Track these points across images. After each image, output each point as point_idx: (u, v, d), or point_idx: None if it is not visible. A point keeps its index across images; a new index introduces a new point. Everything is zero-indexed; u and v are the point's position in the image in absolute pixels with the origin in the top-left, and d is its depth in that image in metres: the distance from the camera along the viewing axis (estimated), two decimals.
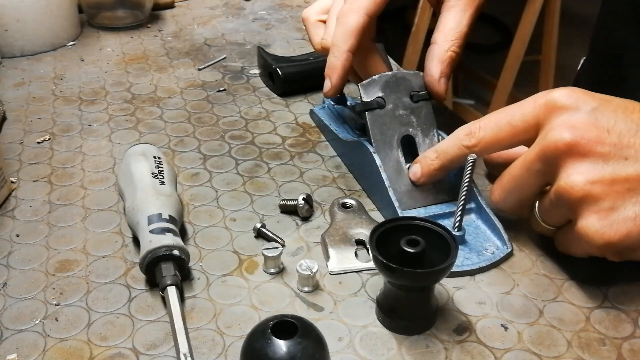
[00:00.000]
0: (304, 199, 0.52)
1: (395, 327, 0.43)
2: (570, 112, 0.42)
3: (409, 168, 0.53)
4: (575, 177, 0.41)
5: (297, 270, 0.45)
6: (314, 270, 0.45)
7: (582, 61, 0.77)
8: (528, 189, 0.46)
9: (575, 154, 0.41)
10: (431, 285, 0.42)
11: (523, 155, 0.44)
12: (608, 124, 0.41)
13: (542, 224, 0.47)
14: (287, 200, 0.54)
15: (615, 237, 0.41)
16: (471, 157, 0.46)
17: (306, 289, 0.46)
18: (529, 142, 0.45)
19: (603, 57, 0.69)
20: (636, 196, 0.40)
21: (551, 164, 0.42)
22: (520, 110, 0.45)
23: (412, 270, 0.39)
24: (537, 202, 0.46)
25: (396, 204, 0.51)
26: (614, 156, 0.41)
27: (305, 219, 0.53)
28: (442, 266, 0.39)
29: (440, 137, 0.55)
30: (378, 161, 0.53)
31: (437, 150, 0.50)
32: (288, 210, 0.54)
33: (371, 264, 0.48)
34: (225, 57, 0.83)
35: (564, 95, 0.43)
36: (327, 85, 0.57)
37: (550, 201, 0.44)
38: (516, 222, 0.53)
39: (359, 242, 0.50)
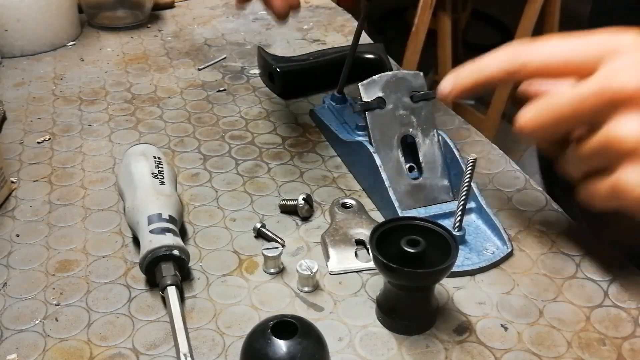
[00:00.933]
0: (304, 199, 0.52)
1: (395, 327, 0.43)
2: (633, 55, 0.38)
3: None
4: (631, 127, 0.37)
5: (297, 270, 0.45)
6: (314, 270, 0.45)
7: None
8: (568, 125, 0.41)
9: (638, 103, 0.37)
10: (431, 285, 0.42)
11: (574, 89, 0.40)
12: None
13: (573, 167, 0.43)
14: (287, 200, 0.54)
15: None
16: (471, 157, 0.46)
17: (306, 289, 0.46)
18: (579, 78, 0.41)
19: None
20: None
21: (610, 106, 0.38)
22: (582, 45, 0.41)
23: (412, 270, 0.39)
24: (576, 143, 0.42)
25: (396, 204, 0.51)
26: None
27: (305, 219, 0.53)
28: (442, 266, 0.39)
29: (440, 137, 0.55)
30: (378, 161, 0.53)
31: (476, 66, 0.45)
32: (288, 210, 0.54)
33: (371, 264, 0.48)
34: (225, 57, 0.83)
35: (632, 38, 0.39)
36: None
37: (592, 146, 0.40)
38: (516, 222, 0.53)
39: (359, 242, 0.50)
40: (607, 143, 0.39)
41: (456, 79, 0.46)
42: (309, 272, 0.45)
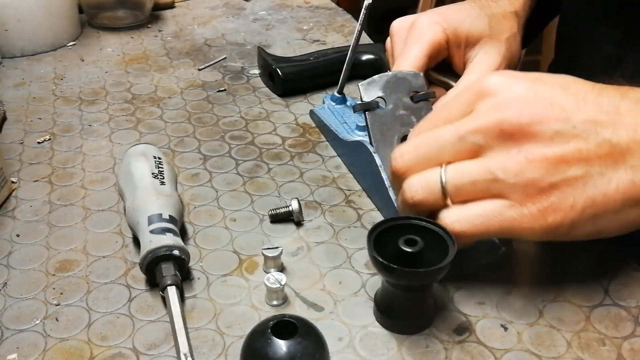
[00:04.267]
0: (297, 202, 0.52)
1: (393, 326, 0.43)
2: (510, 90, 0.40)
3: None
4: (533, 153, 0.38)
5: (265, 284, 0.44)
6: (282, 283, 0.44)
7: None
8: (447, 158, 0.41)
9: (527, 131, 0.38)
10: (428, 284, 0.42)
11: (454, 125, 0.41)
12: (549, 96, 0.39)
13: (440, 194, 0.41)
14: (277, 209, 0.53)
15: (548, 224, 0.38)
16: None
17: (275, 302, 0.45)
18: None
19: (568, 56, 0.70)
20: (583, 179, 0.38)
21: (497, 139, 0.39)
22: (456, 101, 0.43)
23: (409, 269, 0.39)
24: (444, 167, 0.41)
25: (396, 204, 0.51)
26: (563, 131, 0.38)
27: (299, 223, 0.53)
28: (439, 266, 0.39)
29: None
30: (378, 161, 0.53)
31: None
32: (280, 218, 0.53)
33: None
34: (225, 58, 0.83)
35: (496, 79, 0.41)
36: None
37: (489, 174, 0.39)
38: None
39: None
40: (493, 173, 0.39)
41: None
42: (278, 285, 0.44)
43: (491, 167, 0.39)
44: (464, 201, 0.41)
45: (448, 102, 0.44)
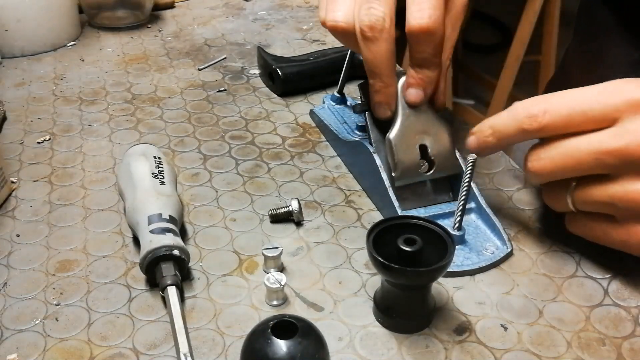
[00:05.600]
0: (298, 202, 0.52)
1: (392, 325, 0.43)
2: None
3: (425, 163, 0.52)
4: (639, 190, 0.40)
5: (265, 284, 0.44)
6: (282, 283, 0.44)
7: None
8: (582, 173, 0.42)
9: None
10: (427, 284, 0.42)
11: (596, 142, 0.41)
12: None
13: (569, 204, 0.44)
14: (277, 209, 0.53)
15: None
16: (471, 157, 0.46)
17: (275, 302, 0.45)
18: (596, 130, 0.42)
19: (586, 36, 0.70)
20: None
21: (632, 165, 0.40)
22: (600, 99, 0.41)
23: (407, 268, 0.39)
24: (575, 184, 0.44)
25: (396, 204, 0.51)
26: None
27: (299, 223, 0.53)
28: (437, 265, 0.39)
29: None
30: (378, 161, 0.53)
31: (492, 127, 0.46)
32: (280, 218, 0.53)
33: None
34: (225, 57, 0.83)
35: None
36: (385, 113, 0.52)
37: (609, 197, 0.41)
38: (516, 222, 0.53)
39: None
40: (629, 198, 0.40)
41: (478, 138, 0.47)
42: (278, 285, 0.44)
43: (613, 195, 0.41)
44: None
45: (590, 95, 0.42)
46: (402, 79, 0.51)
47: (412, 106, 0.51)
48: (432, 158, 0.52)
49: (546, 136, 0.44)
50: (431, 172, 0.52)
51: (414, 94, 0.50)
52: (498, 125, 0.46)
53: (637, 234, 0.41)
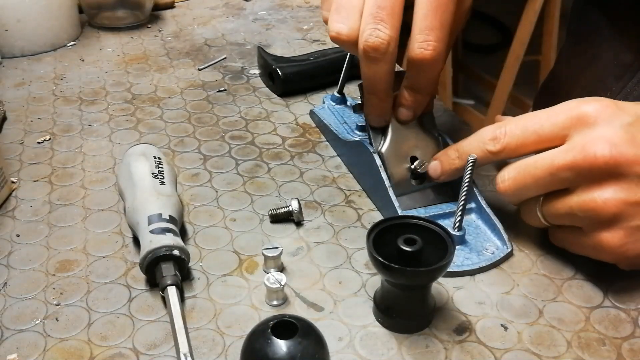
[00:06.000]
0: (298, 202, 0.52)
1: (392, 325, 0.43)
2: (605, 125, 0.42)
3: (418, 167, 0.52)
4: (610, 195, 0.41)
5: (265, 284, 0.44)
6: (282, 283, 0.44)
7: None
8: (543, 190, 0.45)
9: (613, 172, 0.41)
10: (427, 284, 0.42)
11: (549, 159, 0.44)
12: None
13: (541, 220, 0.47)
14: (277, 209, 0.53)
15: (637, 252, 0.43)
16: (471, 157, 0.46)
17: (275, 302, 0.45)
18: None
19: (578, 38, 0.70)
20: None
21: (583, 176, 0.42)
22: (550, 119, 0.44)
23: (407, 268, 0.39)
24: (542, 199, 0.46)
25: (396, 204, 0.51)
26: None
27: (299, 223, 0.53)
28: (438, 265, 0.39)
29: (440, 137, 0.55)
30: (378, 161, 0.53)
31: (458, 150, 0.49)
32: (280, 218, 0.53)
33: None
34: (225, 57, 0.83)
35: (597, 108, 0.43)
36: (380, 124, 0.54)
37: (570, 208, 0.44)
38: (516, 222, 0.53)
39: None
40: (587, 208, 0.42)
41: (444, 163, 0.51)
42: (278, 285, 0.44)
43: (572, 206, 0.43)
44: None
45: (542, 117, 0.45)
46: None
47: (401, 125, 0.54)
48: (420, 171, 0.53)
49: (508, 157, 0.47)
50: (422, 184, 0.53)
51: (405, 114, 0.53)
52: (465, 148, 0.49)
53: (603, 241, 0.43)
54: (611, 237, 0.42)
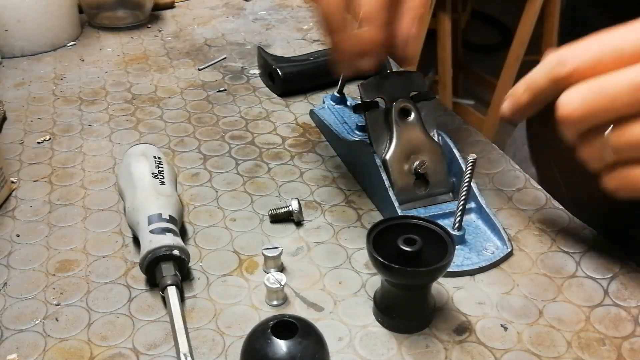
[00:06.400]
0: (298, 202, 0.52)
1: (392, 325, 0.43)
2: None
3: (419, 167, 0.52)
4: None
5: (265, 284, 0.44)
6: (282, 283, 0.44)
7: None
8: (619, 114, 0.37)
9: None
10: (427, 284, 0.42)
11: (631, 75, 0.36)
12: None
13: (609, 153, 0.39)
14: (277, 209, 0.53)
15: None
16: (471, 157, 0.46)
17: (275, 302, 0.45)
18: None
19: (571, 38, 0.69)
20: None
21: None
22: (628, 36, 0.37)
23: (406, 268, 0.39)
24: (612, 127, 0.38)
25: (396, 204, 0.51)
26: None
27: (299, 223, 0.53)
28: (438, 265, 0.39)
29: (440, 137, 0.55)
30: (378, 161, 0.53)
31: (526, 83, 0.42)
32: (280, 218, 0.53)
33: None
34: (225, 57, 0.83)
35: None
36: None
37: (636, 147, 0.37)
38: (516, 222, 0.53)
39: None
40: None
41: (512, 101, 0.44)
42: (278, 285, 0.44)
43: None
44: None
45: (621, 29, 0.38)
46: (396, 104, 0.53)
47: (405, 127, 0.52)
48: (420, 171, 0.52)
49: (581, 81, 0.39)
50: (426, 190, 0.53)
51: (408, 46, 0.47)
52: (531, 79, 0.42)
53: None
54: None
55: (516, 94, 0.43)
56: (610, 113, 0.37)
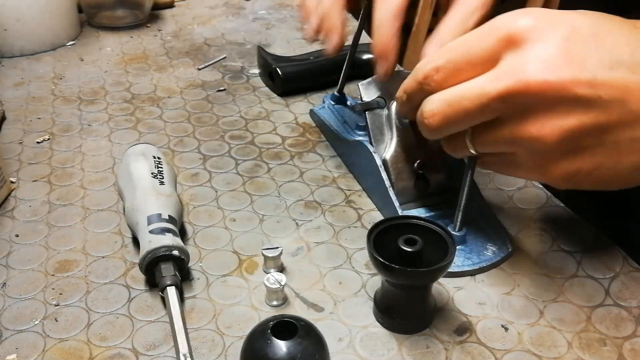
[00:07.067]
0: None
1: (392, 325, 0.43)
2: (538, 44, 0.37)
3: (419, 167, 0.52)
4: (547, 124, 0.37)
5: (265, 284, 0.44)
6: (282, 283, 0.44)
7: None
8: (474, 122, 0.40)
9: (549, 97, 0.36)
10: (428, 284, 0.42)
11: (479, 88, 0.39)
12: (580, 56, 0.36)
13: (470, 150, 0.43)
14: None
15: (553, 180, 0.40)
16: (471, 157, 0.46)
17: (274, 302, 0.45)
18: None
19: None
20: (594, 148, 0.37)
21: (517, 104, 0.37)
22: (479, 40, 0.40)
23: (406, 268, 0.39)
24: (471, 130, 0.42)
25: (396, 204, 0.51)
26: (587, 100, 0.36)
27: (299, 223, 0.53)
28: (438, 265, 0.39)
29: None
30: (378, 161, 0.53)
31: (404, 84, 0.46)
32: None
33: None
34: (225, 57, 0.82)
35: (528, 23, 0.37)
36: (383, 67, 0.51)
37: (503, 138, 0.39)
38: (517, 221, 0.53)
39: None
40: (523, 138, 0.38)
41: (397, 99, 0.47)
42: (278, 285, 0.44)
43: (506, 135, 0.39)
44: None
45: (470, 38, 0.40)
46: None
47: (405, 127, 0.53)
48: (426, 175, 0.53)
49: (441, 89, 0.42)
50: (426, 190, 0.53)
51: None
52: (406, 81, 0.45)
53: (540, 169, 0.39)
54: (552, 168, 0.39)
55: (399, 94, 0.46)
56: (468, 122, 0.41)
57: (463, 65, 0.40)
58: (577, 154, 0.38)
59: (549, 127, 0.37)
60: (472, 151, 0.43)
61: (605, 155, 0.38)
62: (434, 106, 0.41)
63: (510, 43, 0.38)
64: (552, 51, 0.36)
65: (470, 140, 0.42)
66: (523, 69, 0.37)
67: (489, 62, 0.39)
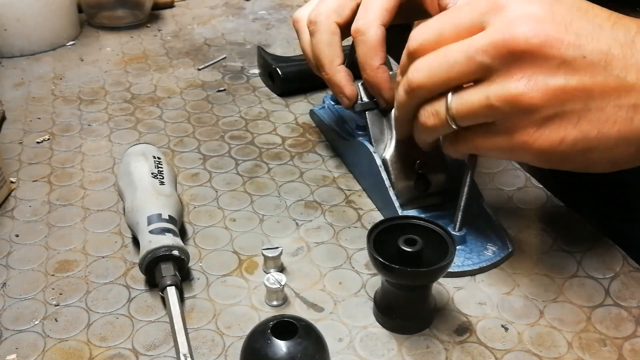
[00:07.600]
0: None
1: (392, 325, 0.43)
2: (526, 5, 0.37)
3: (419, 167, 0.52)
4: (532, 81, 0.37)
5: (265, 284, 0.44)
6: (282, 283, 0.44)
7: None
8: (457, 80, 0.40)
9: (535, 54, 0.36)
10: (428, 284, 0.42)
11: (466, 43, 0.39)
12: (565, 20, 0.37)
13: (447, 122, 0.42)
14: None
15: (534, 152, 0.39)
16: (472, 157, 0.46)
17: (274, 302, 0.45)
18: None
19: None
20: (579, 113, 0.37)
21: (503, 59, 0.37)
22: (465, 9, 0.40)
23: (406, 269, 0.39)
24: (452, 95, 0.41)
25: (396, 204, 0.51)
26: (572, 60, 0.36)
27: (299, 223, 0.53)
28: (438, 265, 0.39)
29: (440, 137, 0.54)
30: (378, 161, 0.53)
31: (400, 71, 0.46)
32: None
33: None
34: (225, 57, 0.82)
35: None
36: (382, 98, 0.52)
37: (487, 98, 0.38)
38: (517, 221, 0.53)
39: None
40: (501, 98, 0.37)
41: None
42: (278, 286, 0.44)
43: (490, 96, 0.38)
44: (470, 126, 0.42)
45: (459, 6, 0.41)
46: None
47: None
48: (420, 172, 0.52)
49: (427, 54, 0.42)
50: (427, 190, 0.53)
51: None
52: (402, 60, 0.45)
53: (518, 135, 0.38)
54: (529, 128, 0.38)
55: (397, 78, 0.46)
56: (450, 79, 0.40)
57: (450, 32, 0.41)
58: (562, 120, 0.37)
59: (535, 83, 0.37)
60: (451, 124, 0.41)
61: (590, 123, 0.37)
62: (418, 63, 0.42)
63: (497, 7, 0.38)
64: (539, 12, 0.37)
65: (448, 108, 0.41)
66: (511, 24, 0.37)
67: (475, 28, 0.39)
